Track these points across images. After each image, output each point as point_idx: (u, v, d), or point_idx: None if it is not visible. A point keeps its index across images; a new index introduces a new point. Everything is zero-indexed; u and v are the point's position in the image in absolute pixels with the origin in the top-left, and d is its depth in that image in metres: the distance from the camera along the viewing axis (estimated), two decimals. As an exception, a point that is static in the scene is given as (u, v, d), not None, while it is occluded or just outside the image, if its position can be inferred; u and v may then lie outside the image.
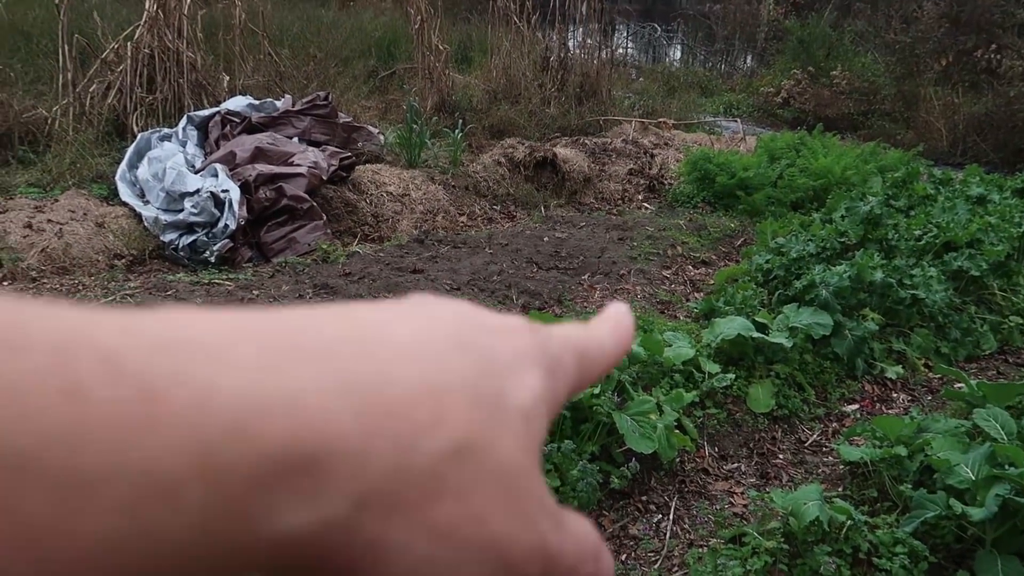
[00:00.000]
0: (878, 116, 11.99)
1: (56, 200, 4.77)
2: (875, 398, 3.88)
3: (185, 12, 6.44)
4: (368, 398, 0.24)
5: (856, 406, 3.78)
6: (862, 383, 3.96)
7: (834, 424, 3.61)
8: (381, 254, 4.97)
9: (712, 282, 5.00)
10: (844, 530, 2.53)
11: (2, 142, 5.52)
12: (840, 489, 3.02)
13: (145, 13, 6.26)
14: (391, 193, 5.81)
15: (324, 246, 4.85)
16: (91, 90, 6.04)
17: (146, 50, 6.23)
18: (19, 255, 4.16)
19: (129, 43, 6.17)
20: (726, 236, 6.03)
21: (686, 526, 2.78)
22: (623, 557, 2.59)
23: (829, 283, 4.12)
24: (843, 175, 6.76)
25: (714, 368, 3.56)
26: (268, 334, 0.23)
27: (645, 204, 7.02)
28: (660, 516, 2.81)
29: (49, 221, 4.47)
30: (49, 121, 5.74)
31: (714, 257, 5.62)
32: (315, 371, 0.23)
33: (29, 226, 4.39)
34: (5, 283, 3.99)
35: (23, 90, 6.22)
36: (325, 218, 5.14)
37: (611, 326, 0.36)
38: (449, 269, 4.78)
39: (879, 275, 4.23)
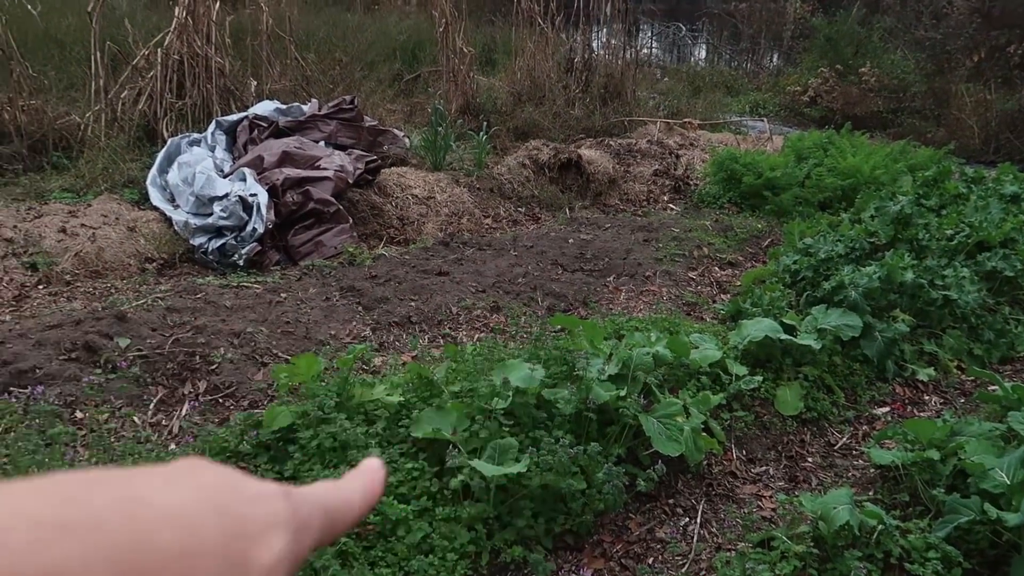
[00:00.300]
0: (908, 114, 11.81)
1: (89, 205, 4.85)
2: (906, 401, 3.82)
3: (213, 18, 6.52)
4: (125, 564, 0.28)
5: (887, 409, 3.73)
6: (892, 385, 3.91)
7: (864, 427, 3.57)
8: (407, 256, 4.99)
9: (739, 283, 4.96)
10: (875, 535, 2.50)
11: (37, 148, 5.63)
12: (871, 493, 2.98)
13: (175, 20, 6.36)
14: (416, 196, 5.83)
15: (350, 249, 4.89)
16: (122, 96, 6.14)
17: (176, 56, 6.33)
18: (54, 259, 4.25)
19: (159, 49, 6.26)
20: (753, 237, 5.97)
21: (713, 529, 2.76)
22: (650, 560, 2.58)
23: (858, 284, 4.07)
24: (872, 174, 6.67)
25: (741, 370, 3.53)
26: (42, 512, 0.27)
27: (670, 205, 6.98)
28: (687, 519, 2.79)
29: (83, 225, 4.55)
30: (82, 127, 5.84)
31: (741, 258, 5.57)
32: (79, 543, 0.27)
33: (63, 230, 4.47)
34: (40, 287, 4.07)
35: (57, 97, 6.34)
36: (351, 221, 5.18)
37: (361, 483, 0.43)
38: (474, 271, 4.79)
39: (910, 275, 4.17)
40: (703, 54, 18.51)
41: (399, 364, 3.45)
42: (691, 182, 7.33)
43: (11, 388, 2.96)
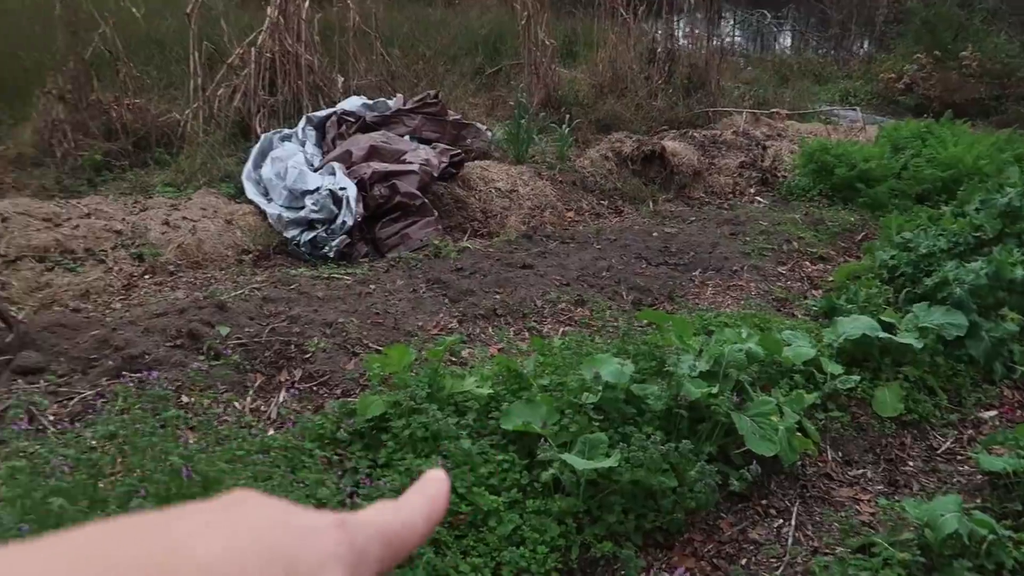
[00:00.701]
0: (1014, 100, 11.14)
1: (189, 198, 5.07)
2: (1016, 404, 3.62)
3: (303, 17, 6.70)
4: None
5: (994, 412, 3.54)
6: (1000, 388, 3.71)
7: (970, 431, 3.40)
8: (491, 250, 5.03)
9: (831, 279, 4.80)
10: (985, 545, 2.37)
11: (141, 144, 5.92)
12: (979, 501, 2.83)
13: (267, 19, 6.56)
14: (499, 189, 5.86)
15: (436, 241, 4.95)
16: (218, 94, 6.38)
17: (268, 54, 6.53)
18: (158, 250, 4.46)
19: (252, 48, 6.47)
20: (845, 231, 5.76)
21: (809, 532, 2.68)
22: (743, 561, 2.53)
23: (964, 280, 3.88)
24: (975, 165, 6.33)
25: (837, 369, 3.42)
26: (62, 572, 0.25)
27: (758, 198, 6.80)
28: (781, 521, 2.72)
29: (184, 218, 4.76)
30: (182, 124, 6.11)
31: (833, 253, 5.39)
32: None
33: (166, 223, 4.69)
34: (146, 276, 4.29)
35: (158, 95, 6.64)
36: (436, 214, 5.24)
37: (423, 500, 0.40)
38: (558, 265, 4.78)
39: (1020, 272, 3.94)
40: (788, 42, 17.90)
41: (487, 356, 3.48)
42: (779, 174, 7.12)
43: (124, 372, 3.13)
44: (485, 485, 2.52)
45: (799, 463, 2.98)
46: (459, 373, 3.08)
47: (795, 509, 2.78)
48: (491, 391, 2.89)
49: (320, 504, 2.13)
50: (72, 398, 2.96)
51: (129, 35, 7.10)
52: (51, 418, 2.83)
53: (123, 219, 4.62)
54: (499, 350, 3.63)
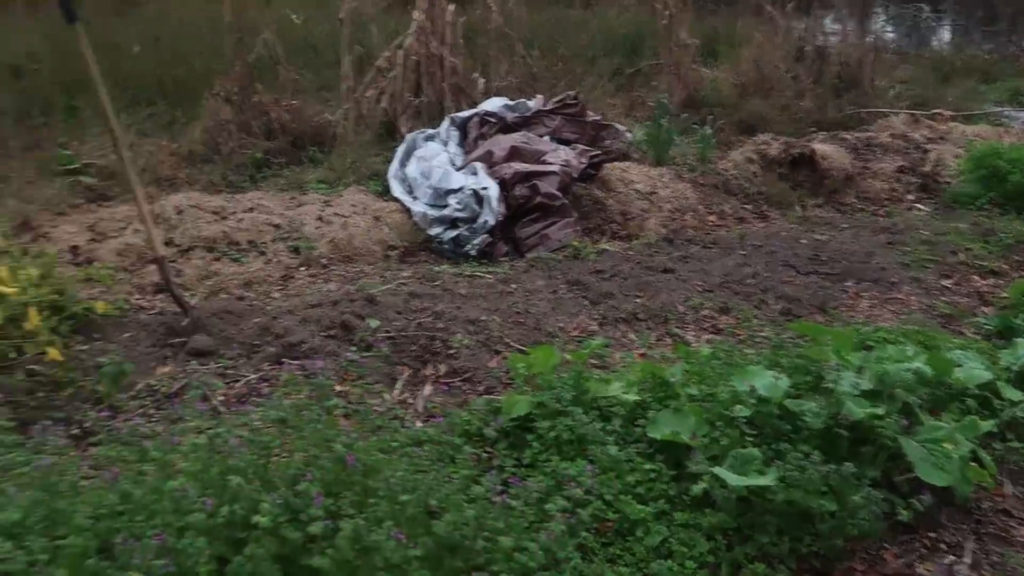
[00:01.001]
0: None
1: (340, 195, 5.31)
2: None
3: (448, 19, 6.86)
4: None
5: None
6: None
7: None
8: (630, 252, 4.96)
9: (1006, 295, 4.40)
10: None
11: (297, 144, 6.26)
12: None
13: (414, 23, 6.76)
14: (639, 191, 5.77)
15: (575, 243, 4.94)
16: (367, 95, 6.64)
17: (413, 57, 6.74)
18: (312, 244, 4.70)
19: (399, 51, 6.70)
20: (1021, 243, 5.27)
21: (986, 574, 2.46)
22: (911, 598, 2.35)
23: None
24: None
25: (1016, 395, 3.13)
26: None
27: (917, 205, 6.34)
28: (953, 558, 2.51)
29: (336, 214, 4.99)
30: (334, 124, 6.40)
31: (1006, 267, 4.95)
32: None
33: (320, 218, 4.93)
34: (302, 268, 4.52)
35: (312, 97, 7.00)
36: (576, 215, 5.23)
37: None
38: (700, 270, 4.65)
39: None
40: (947, 37, 16.63)
41: (630, 361, 3.42)
42: (942, 180, 6.62)
43: (283, 360, 3.32)
44: (632, 494, 2.47)
45: (972, 496, 2.74)
46: (603, 377, 3.04)
47: (969, 546, 2.56)
48: (637, 398, 2.84)
49: (471, 501, 2.15)
50: (239, 380, 3.16)
51: (288, 40, 7.52)
52: (220, 399, 3.03)
53: (281, 214, 4.90)
54: (642, 355, 3.56)
